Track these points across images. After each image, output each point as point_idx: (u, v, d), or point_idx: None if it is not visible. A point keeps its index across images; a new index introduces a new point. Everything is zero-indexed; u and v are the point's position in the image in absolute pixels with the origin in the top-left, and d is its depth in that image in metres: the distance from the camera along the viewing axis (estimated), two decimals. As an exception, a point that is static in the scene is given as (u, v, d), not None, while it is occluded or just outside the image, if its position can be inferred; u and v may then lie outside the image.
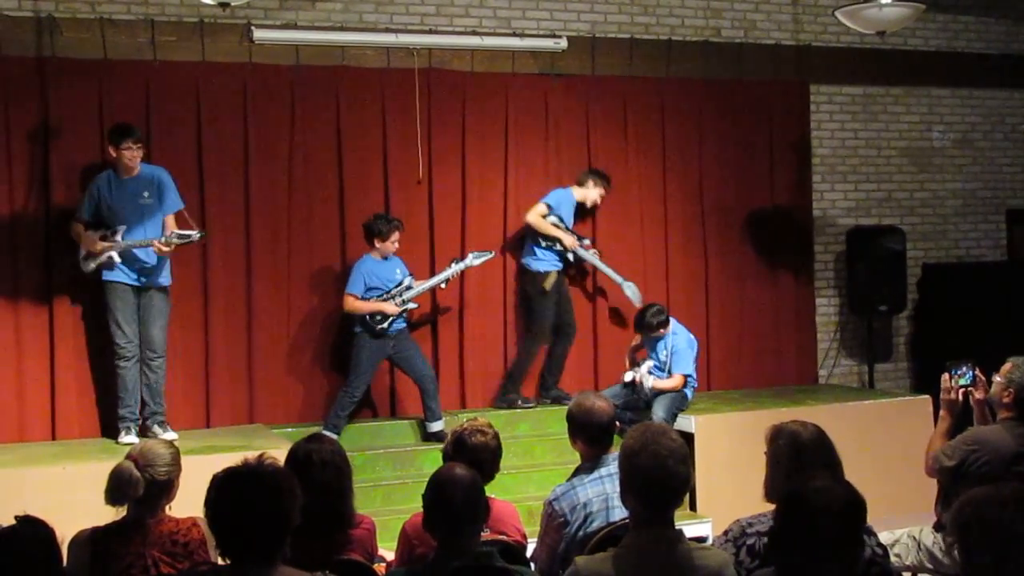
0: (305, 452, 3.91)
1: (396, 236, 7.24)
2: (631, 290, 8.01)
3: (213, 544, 3.86)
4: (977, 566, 2.68)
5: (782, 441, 3.60)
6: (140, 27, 7.25)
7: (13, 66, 6.96)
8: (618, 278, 8.06)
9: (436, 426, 7.31)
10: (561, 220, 7.86)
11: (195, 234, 6.59)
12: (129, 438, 6.49)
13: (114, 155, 6.62)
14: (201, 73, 7.38)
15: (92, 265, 6.63)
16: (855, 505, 2.89)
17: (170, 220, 6.76)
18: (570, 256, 7.92)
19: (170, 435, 6.72)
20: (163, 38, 7.29)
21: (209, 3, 6.13)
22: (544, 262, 7.85)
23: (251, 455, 3.10)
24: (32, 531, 3.07)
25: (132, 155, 6.61)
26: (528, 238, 7.93)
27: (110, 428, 7.09)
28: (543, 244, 7.84)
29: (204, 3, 6.24)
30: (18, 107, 6.97)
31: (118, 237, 6.60)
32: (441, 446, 6.96)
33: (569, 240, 7.85)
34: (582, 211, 8.15)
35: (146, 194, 6.68)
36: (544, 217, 7.83)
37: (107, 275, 6.64)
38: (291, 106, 7.58)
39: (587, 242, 8.10)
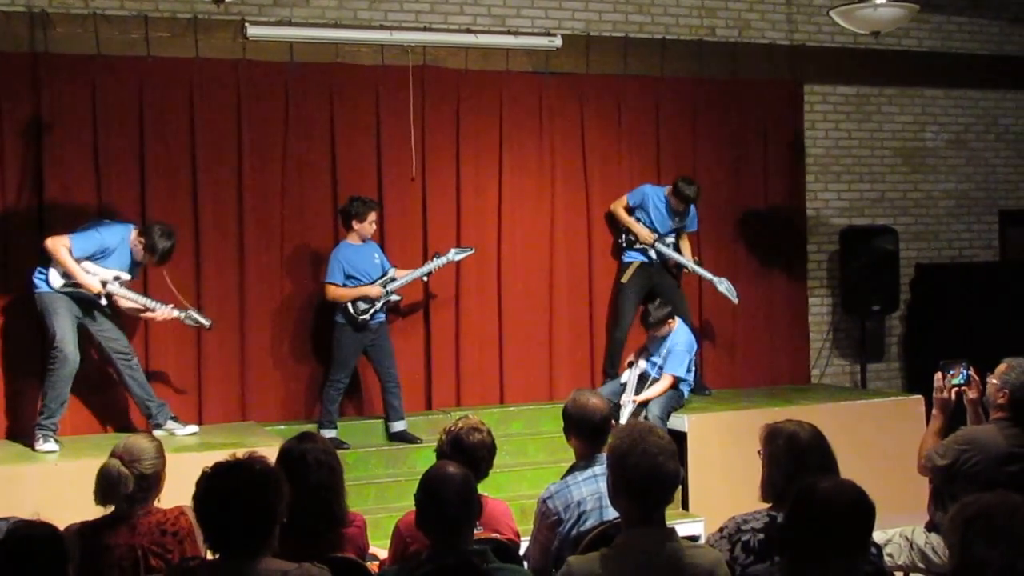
0: (299, 452, 3.90)
1: (373, 216, 7.22)
2: (724, 286, 8.00)
3: (201, 536, 3.87)
4: (977, 570, 2.67)
5: (780, 441, 3.59)
6: (133, 23, 7.22)
7: (6, 61, 6.93)
8: (708, 275, 8.09)
9: (399, 426, 7.29)
10: (647, 215, 8.06)
11: (207, 324, 6.77)
12: (48, 445, 6.32)
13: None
14: (195, 69, 7.35)
15: (63, 283, 6.40)
16: (866, 507, 2.89)
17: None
18: (651, 253, 8.03)
19: (191, 428, 6.78)
20: (156, 34, 7.26)
21: (203, -1, 6.13)
22: (627, 254, 8.15)
23: (240, 452, 3.15)
24: (42, 535, 3.08)
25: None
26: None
27: (105, 424, 7.08)
28: (623, 237, 8.15)
29: (198, -1, 6.23)
30: (10, 102, 6.94)
31: (116, 285, 6.51)
32: (410, 446, 7.07)
33: (644, 234, 7.99)
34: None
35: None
36: (626, 210, 8.13)
37: (50, 285, 6.42)
38: (285, 103, 7.56)
39: (672, 240, 8.12)
